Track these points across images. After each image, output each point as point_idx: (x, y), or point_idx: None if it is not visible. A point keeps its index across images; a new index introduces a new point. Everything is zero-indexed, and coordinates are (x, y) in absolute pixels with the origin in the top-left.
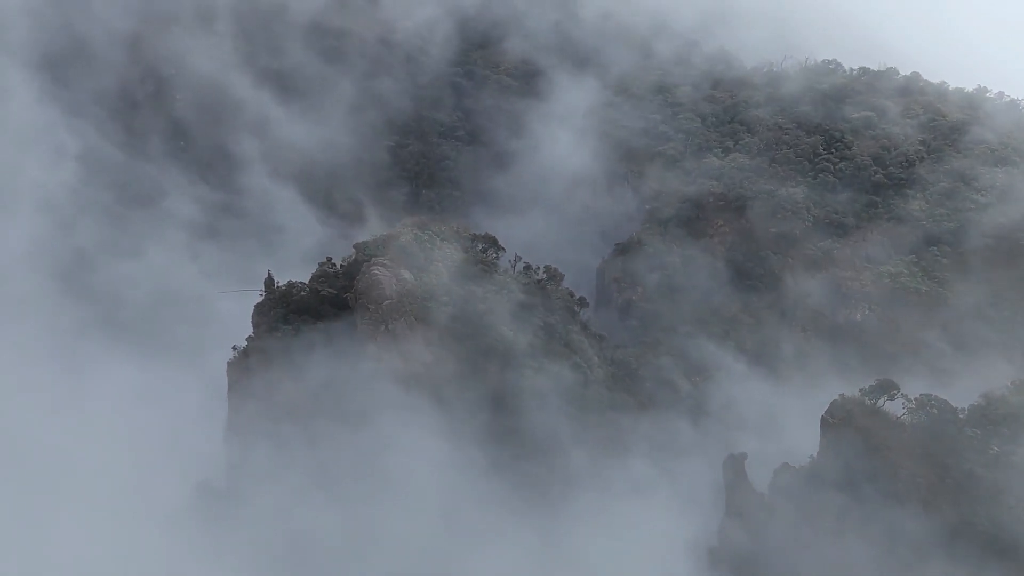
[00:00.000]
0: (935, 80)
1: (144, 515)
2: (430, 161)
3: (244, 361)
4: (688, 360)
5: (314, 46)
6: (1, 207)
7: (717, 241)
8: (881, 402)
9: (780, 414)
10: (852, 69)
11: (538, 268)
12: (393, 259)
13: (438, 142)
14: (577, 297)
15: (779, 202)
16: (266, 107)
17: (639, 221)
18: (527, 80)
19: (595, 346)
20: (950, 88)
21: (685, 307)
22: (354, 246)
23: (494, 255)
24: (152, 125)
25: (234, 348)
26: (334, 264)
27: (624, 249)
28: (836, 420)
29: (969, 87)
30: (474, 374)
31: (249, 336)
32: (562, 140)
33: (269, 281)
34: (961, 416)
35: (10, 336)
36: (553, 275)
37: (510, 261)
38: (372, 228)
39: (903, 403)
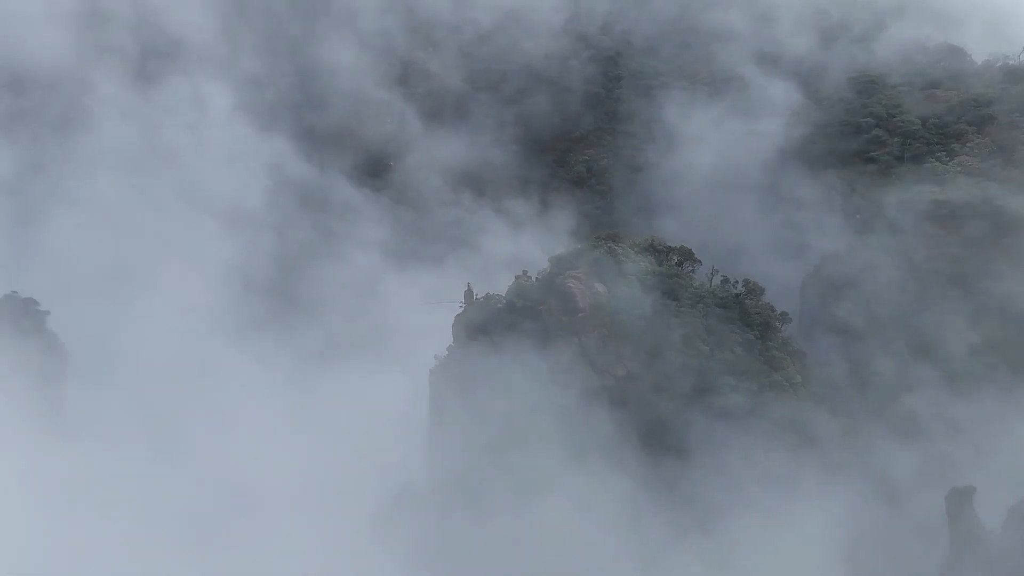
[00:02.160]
0: None
1: (350, 517)
2: (611, 172)
3: (445, 369)
4: (902, 381)
5: (476, 61)
6: (201, 221)
7: (938, 254)
8: None
9: (1006, 440)
10: None
11: (736, 282)
12: (587, 272)
13: (623, 151)
14: (779, 312)
15: (1013, 211)
16: (443, 124)
17: (849, 232)
18: (717, 85)
19: (798, 364)
20: None
21: (899, 325)
22: (549, 259)
23: (689, 268)
24: (344, 141)
25: (436, 357)
26: (530, 277)
27: (832, 261)
28: None
29: None
30: (667, 389)
31: (450, 346)
32: (756, 147)
33: (469, 293)
34: None
35: (223, 347)
36: (752, 289)
37: (706, 274)
38: (566, 242)
39: None
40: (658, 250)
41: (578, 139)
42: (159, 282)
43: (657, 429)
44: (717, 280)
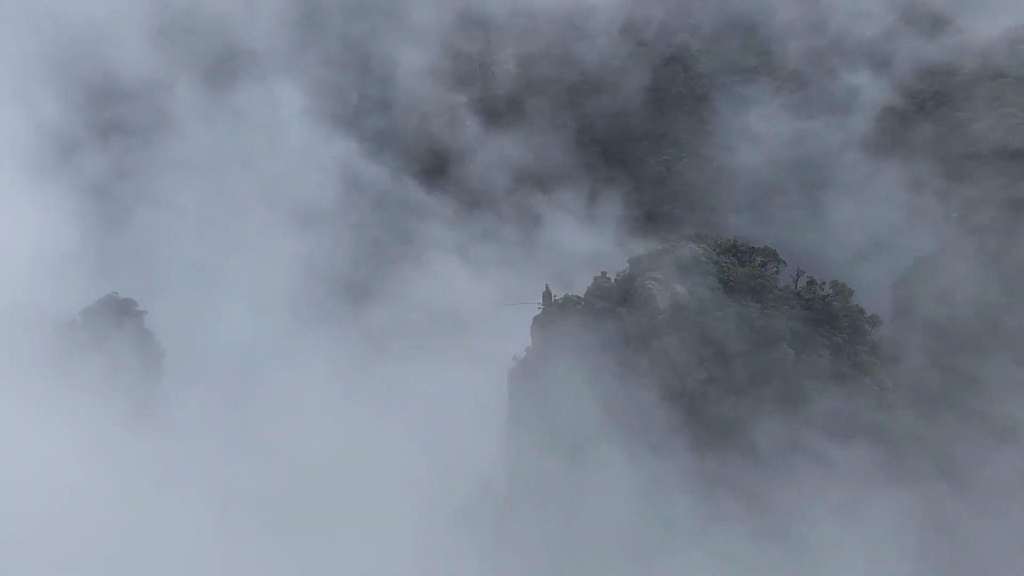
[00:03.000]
0: None
1: (427, 515)
2: (691, 171)
3: (523, 370)
4: (1001, 386)
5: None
6: (278, 221)
7: None
8: None
9: None
10: None
11: (823, 283)
12: (667, 273)
13: (703, 150)
14: (868, 315)
15: None
16: (517, 125)
17: (945, 232)
18: (802, 80)
19: (889, 368)
20: None
21: (997, 329)
22: (628, 260)
23: (773, 269)
24: (417, 143)
25: (514, 358)
26: (609, 278)
27: (926, 262)
28: None
29: None
30: (749, 393)
31: (528, 347)
32: (842, 143)
33: (547, 295)
34: None
35: (301, 345)
36: (840, 291)
37: (791, 276)
38: (645, 243)
39: None
40: (740, 250)
41: (657, 138)
42: (240, 281)
43: (738, 433)
44: (803, 281)
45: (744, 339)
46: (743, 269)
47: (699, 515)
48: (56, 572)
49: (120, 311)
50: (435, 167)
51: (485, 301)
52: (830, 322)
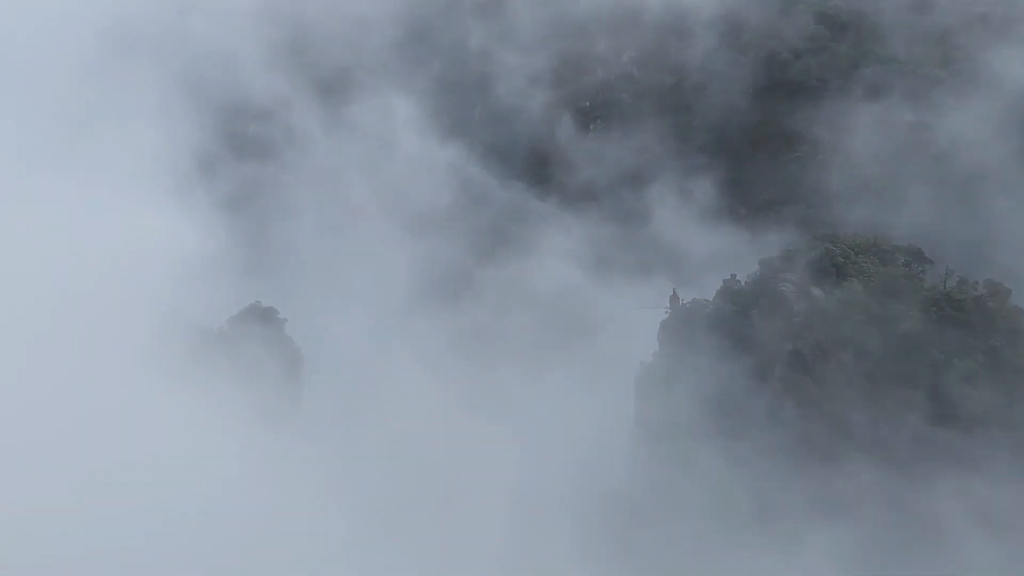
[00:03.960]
0: None
1: (550, 523)
2: (827, 167)
3: (651, 376)
4: None
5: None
6: (396, 230)
7: None
8: None
9: None
10: None
11: (975, 283)
12: (801, 274)
13: (840, 145)
14: None
15: None
16: (637, 124)
17: None
18: (953, 68)
19: None
20: None
21: None
22: (760, 262)
23: (919, 268)
24: (532, 149)
25: (641, 363)
26: (739, 281)
27: None
28: None
29: None
30: (895, 402)
31: (655, 352)
32: (994, 133)
33: (674, 298)
34: None
35: (426, 352)
36: (996, 290)
37: (939, 275)
38: (778, 243)
39: None
40: (882, 249)
41: (786, 135)
42: (365, 286)
43: (882, 444)
44: (952, 281)
45: (888, 344)
46: (885, 269)
47: (837, 530)
48: (203, 566)
49: (263, 319)
50: (548, 172)
51: (608, 306)
52: (985, 324)
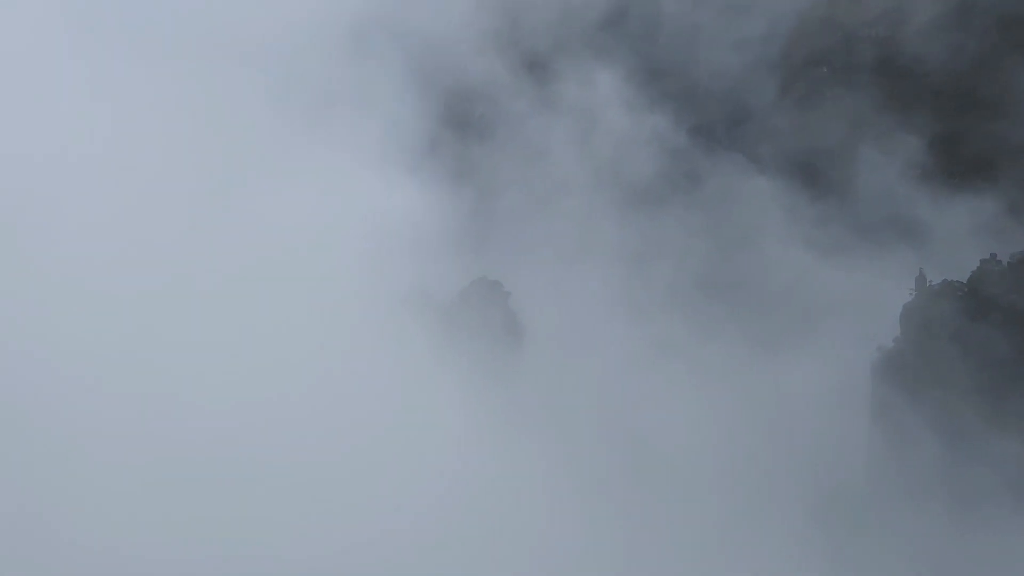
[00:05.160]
0: None
1: (780, 513)
2: None
3: (891, 362)
4: None
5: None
6: (609, 205)
7: None
8: None
9: None
10: None
11: None
12: None
13: None
14: None
15: None
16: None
17: None
18: None
19: None
20: None
21: None
22: None
23: None
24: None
25: (879, 349)
26: (999, 261)
27: None
28: None
29: None
30: None
31: (896, 337)
32: None
33: (921, 279)
34: None
35: (642, 332)
36: None
37: None
38: None
39: None
40: None
41: None
42: (579, 263)
43: None
44: None
45: None
46: None
47: None
48: (445, 523)
49: (489, 292)
50: (758, 142)
51: (839, 286)
52: None
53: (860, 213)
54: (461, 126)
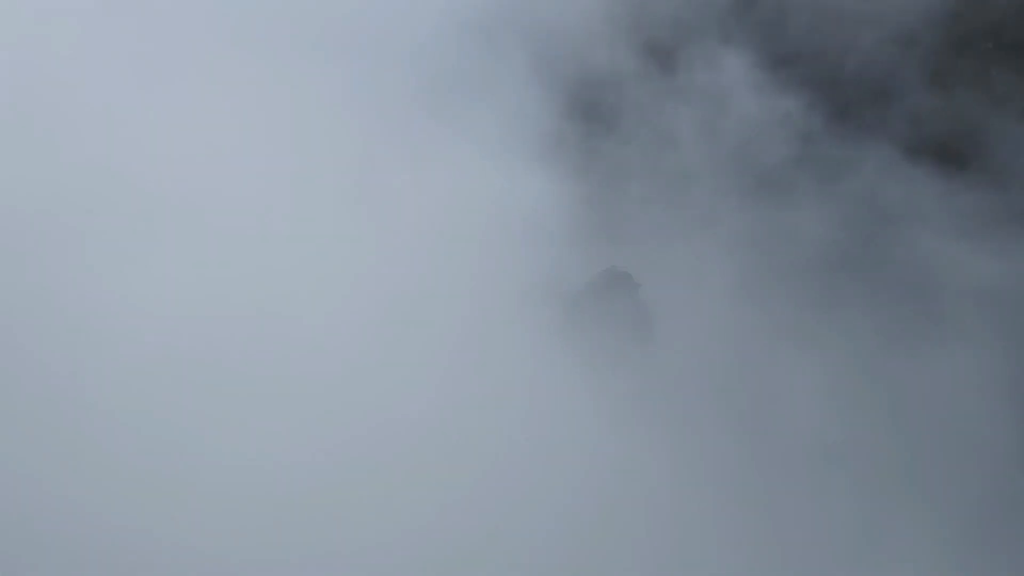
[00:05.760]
0: None
1: (944, 516)
2: None
3: None
4: None
5: None
6: (739, 192)
7: None
8: None
9: None
10: None
11: None
12: None
13: None
14: None
15: None
16: None
17: None
18: None
19: None
20: None
21: None
22: None
23: None
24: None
25: None
26: None
27: None
28: None
29: None
30: None
31: None
32: None
33: None
34: None
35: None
36: None
37: None
38: None
39: None
40: None
41: None
42: (712, 254)
43: None
44: None
45: None
46: None
47: None
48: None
49: (618, 284)
50: (916, 131)
51: (990, 276)
52: None
53: (1014, 200)
54: (587, 115)
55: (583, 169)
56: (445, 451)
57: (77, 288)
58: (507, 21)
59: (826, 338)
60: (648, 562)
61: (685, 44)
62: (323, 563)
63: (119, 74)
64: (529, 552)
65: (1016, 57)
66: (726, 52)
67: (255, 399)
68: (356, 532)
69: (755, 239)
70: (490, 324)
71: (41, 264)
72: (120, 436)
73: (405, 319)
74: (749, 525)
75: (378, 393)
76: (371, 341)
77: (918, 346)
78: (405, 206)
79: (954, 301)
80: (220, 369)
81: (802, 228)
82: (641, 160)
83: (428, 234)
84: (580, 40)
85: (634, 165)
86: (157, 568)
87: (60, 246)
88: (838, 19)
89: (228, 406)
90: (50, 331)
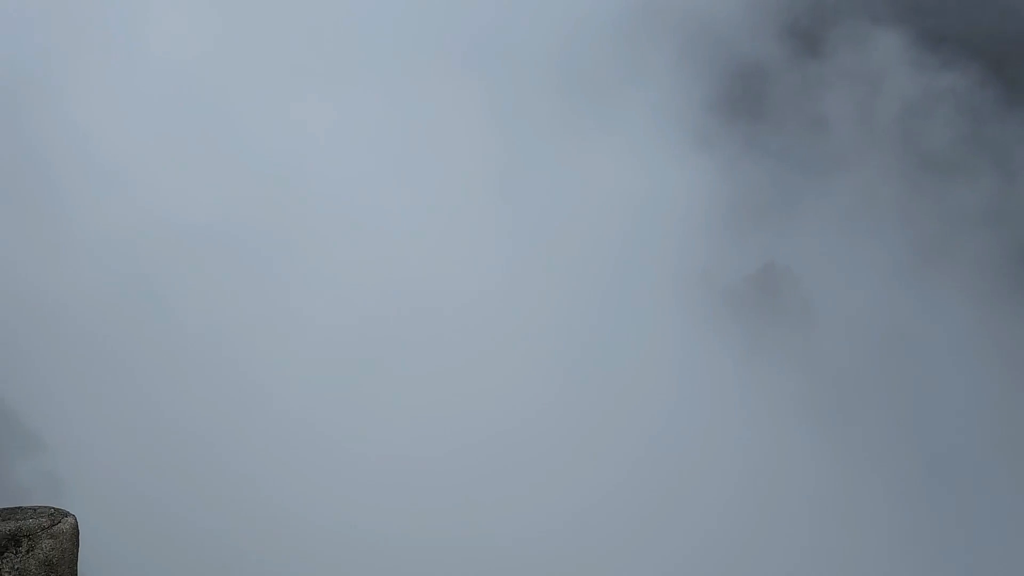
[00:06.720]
0: None
1: None
2: None
3: None
4: None
5: None
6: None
7: None
8: None
9: None
10: None
11: None
12: None
13: None
14: None
15: None
16: None
17: None
18: None
19: None
20: None
21: None
22: None
23: None
24: None
25: None
26: None
27: None
28: None
29: None
30: None
31: None
32: None
33: None
34: None
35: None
36: None
37: None
38: None
39: None
40: None
41: None
42: (872, 241)
43: None
44: None
45: None
46: None
47: None
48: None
49: (778, 277)
50: None
51: None
52: None
53: None
54: (739, 104)
55: (738, 159)
56: (602, 442)
57: (266, 293)
58: (651, 16)
59: (996, 333)
60: (813, 568)
61: (835, 28)
62: (482, 551)
63: (292, 92)
64: (685, 549)
65: None
66: (879, 32)
67: (420, 391)
68: (518, 519)
69: (919, 224)
70: (647, 317)
71: (231, 272)
72: (310, 423)
73: (560, 314)
74: (908, 523)
75: (539, 385)
76: (528, 336)
77: None
78: (560, 208)
79: None
80: (388, 364)
81: (969, 213)
82: (796, 147)
83: (580, 230)
84: (730, 28)
85: (789, 153)
86: (319, 540)
87: (251, 256)
88: None
89: (395, 396)
90: (242, 332)
